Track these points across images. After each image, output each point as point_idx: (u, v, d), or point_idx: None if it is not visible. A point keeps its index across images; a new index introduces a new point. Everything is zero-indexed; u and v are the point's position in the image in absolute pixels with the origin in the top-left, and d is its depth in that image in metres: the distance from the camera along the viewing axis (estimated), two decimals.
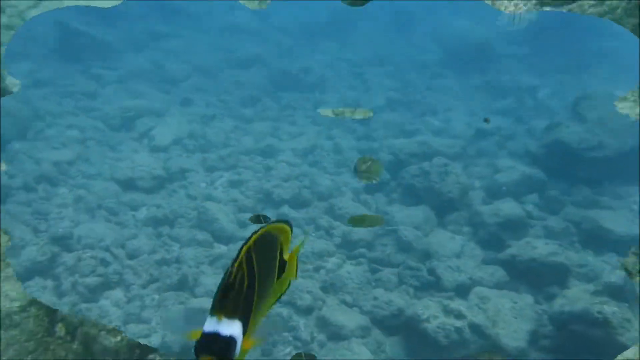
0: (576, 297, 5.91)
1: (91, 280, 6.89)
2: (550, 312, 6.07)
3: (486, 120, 5.95)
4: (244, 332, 1.43)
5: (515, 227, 7.83)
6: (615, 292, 5.77)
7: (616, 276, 5.94)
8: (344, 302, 6.76)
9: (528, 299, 6.48)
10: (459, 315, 5.93)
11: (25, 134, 11.18)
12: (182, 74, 15.47)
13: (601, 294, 5.80)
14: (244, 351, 1.44)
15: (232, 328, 1.40)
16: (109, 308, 6.70)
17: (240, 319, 1.42)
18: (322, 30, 20.27)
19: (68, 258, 7.13)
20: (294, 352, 6.01)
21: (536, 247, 7.02)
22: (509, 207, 8.10)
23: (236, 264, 1.44)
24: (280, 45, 18.33)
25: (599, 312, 5.49)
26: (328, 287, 7.05)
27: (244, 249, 1.47)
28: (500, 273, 7.06)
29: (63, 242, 7.50)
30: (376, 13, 20.94)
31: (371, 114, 6.01)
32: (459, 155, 10.20)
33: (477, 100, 14.22)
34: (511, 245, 7.41)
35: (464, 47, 16.38)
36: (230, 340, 1.38)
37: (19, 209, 8.38)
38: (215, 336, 1.37)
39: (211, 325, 1.39)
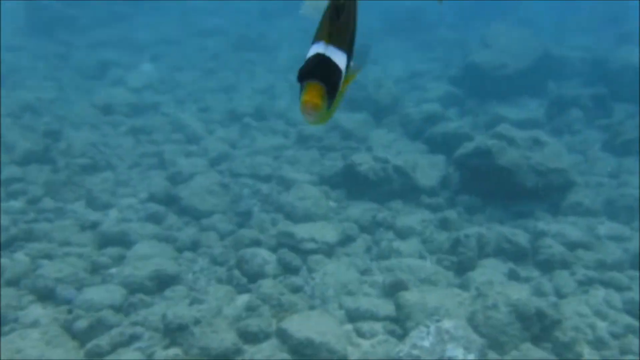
0: (471, 145, 7.59)
1: (82, 160, 8.18)
2: (453, 159, 7.76)
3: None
4: (347, 65, 1.35)
5: (435, 119, 9.53)
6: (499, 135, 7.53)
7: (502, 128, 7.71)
8: (297, 170, 8.26)
9: (441, 157, 8.16)
10: (385, 161, 7.52)
11: (5, 82, 12.33)
12: (148, 42, 16.84)
13: (492, 138, 7.52)
14: (345, 84, 1.39)
15: (340, 56, 1.30)
16: (101, 180, 7.97)
17: (346, 51, 1.34)
18: (278, 11, 21.88)
19: (60, 145, 8.45)
20: (259, 204, 7.41)
21: (448, 125, 8.77)
22: (431, 106, 9.85)
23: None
24: (238, 20, 19.88)
25: (483, 145, 7.22)
26: (285, 164, 8.55)
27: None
28: (421, 147, 8.78)
29: (52, 136, 8.78)
30: None
31: None
32: (395, 83, 11.92)
33: (413, 54, 16.13)
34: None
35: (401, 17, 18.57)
36: (337, 68, 1.30)
37: (9, 122, 9.58)
38: (325, 60, 1.29)
39: (320, 48, 1.29)
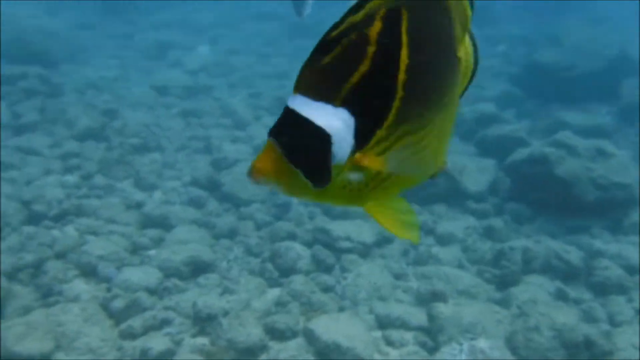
0: (525, 151, 7.27)
1: (134, 140, 8.40)
2: (505, 165, 7.46)
3: None
4: (360, 131, 0.88)
5: (490, 120, 9.17)
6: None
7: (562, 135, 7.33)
8: None
9: (491, 161, 7.87)
10: None
11: (74, 59, 12.88)
12: (208, 24, 17.10)
13: (550, 145, 7.18)
14: (356, 166, 0.90)
15: (328, 114, 0.86)
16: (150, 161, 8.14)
17: (351, 107, 0.86)
18: None
19: (116, 124, 8.69)
20: None
21: (503, 128, 8.44)
22: (486, 106, 9.49)
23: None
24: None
25: (540, 152, 6.89)
26: None
27: None
28: (471, 149, 8.50)
29: (110, 115, 9.05)
30: None
31: None
32: None
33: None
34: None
35: None
36: (308, 130, 0.87)
37: (73, 98, 9.96)
38: (292, 116, 0.90)
39: (296, 102, 0.90)
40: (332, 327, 4.59)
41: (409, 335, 4.81)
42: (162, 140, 8.75)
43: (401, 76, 0.85)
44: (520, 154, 7.20)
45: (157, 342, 4.45)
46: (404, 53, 0.85)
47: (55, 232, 5.98)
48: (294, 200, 7.19)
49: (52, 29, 13.26)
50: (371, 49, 0.82)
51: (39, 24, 13.14)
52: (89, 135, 8.51)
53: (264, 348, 4.53)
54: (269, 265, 5.64)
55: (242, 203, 6.93)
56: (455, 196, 7.28)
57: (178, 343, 4.59)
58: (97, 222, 6.30)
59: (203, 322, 4.72)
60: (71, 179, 7.33)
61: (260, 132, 9.12)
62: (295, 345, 4.54)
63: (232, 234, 6.32)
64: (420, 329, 4.88)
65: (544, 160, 6.85)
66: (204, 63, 12.94)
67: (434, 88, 0.94)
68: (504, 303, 5.24)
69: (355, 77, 0.83)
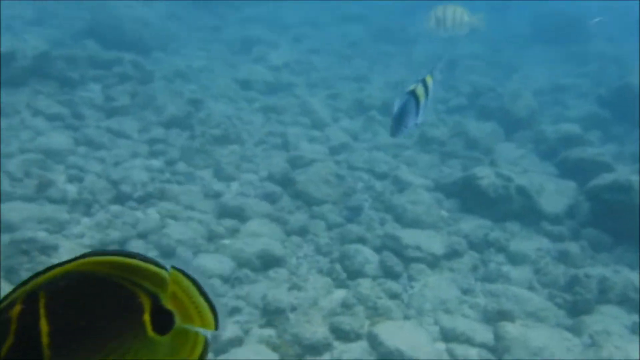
0: (609, 177, 7.00)
1: (216, 131, 8.72)
2: (586, 189, 7.21)
3: None
4: None
5: (573, 142, 8.88)
6: None
7: None
8: (414, 173, 8.18)
9: (571, 184, 7.63)
10: (508, 179, 7.20)
11: (165, 48, 13.50)
12: (293, 22, 17.44)
13: (637, 173, 6.89)
14: None
15: None
16: (229, 152, 8.44)
17: None
18: (422, 6, 21.51)
19: (200, 114, 9.07)
20: (370, 200, 7.48)
21: (586, 150, 8.15)
22: (571, 127, 9.19)
23: None
24: (381, 10, 19.85)
25: (626, 180, 6.61)
26: (402, 164, 8.51)
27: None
28: (551, 169, 8.26)
29: (195, 104, 9.44)
30: None
31: (483, 22, 6.62)
32: (535, 94, 11.29)
33: (560, 66, 15.09)
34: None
35: (554, 24, 17.25)
36: None
37: (162, 86, 10.46)
38: None
39: None
40: (397, 334, 4.63)
41: (473, 352, 4.78)
42: (243, 133, 9.04)
43: (45, 340, 0.99)
44: (604, 179, 6.94)
45: (228, 329, 4.62)
46: (43, 322, 1.00)
47: (139, 213, 6.34)
48: (366, 204, 7.28)
49: (145, 18, 13.93)
50: (13, 326, 0.98)
51: (134, 13, 13.83)
52: (175, 123, 8.91)
53: (328, 347, 4.63)
54: (337, 266, 5.74)
55: (314, 202, 7.07)
56: (530, 215, 7.12)
57: (246, 332, 4.76)
58: (177, 207, 6.61)
59: (271, 314, 4.87)
60: (156, 163, 7.72)
61: (337, 134, 9.26)
62: (358, 347, 4.61)
63: (303, 232, 6.47)
64: (485, 347, 4.83)
65: (629, 189, 6.57)
66: (286, 60, 13.24)
67: (84, 349, 1.04)
68: (575, 331, 5.10)
69: (3, 351, 0.98)
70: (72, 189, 6.53)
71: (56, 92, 9.01)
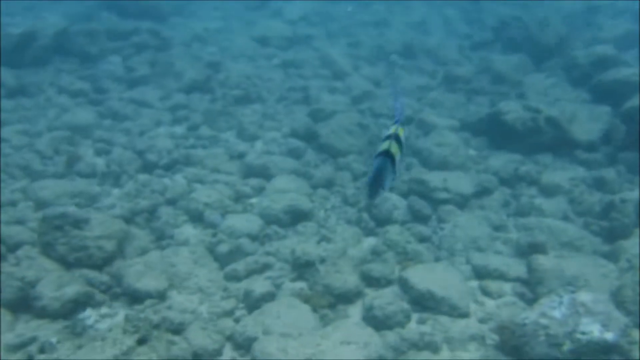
0: None
1: (236, 92, 8.68)
2: (622, 111, 6.88)
3: None
4: None
5: (607, 64, 8.43)
6: None
7: None
8: (439, 114, 7.98)
9: (606, 108, 7.29)
10: (537, 110, 6.94)
11: (181, 12, 13.40)
12: None
13: None
14: None
15: None
16: (251, 112, 8.42)
17: None
18: None
19: (220, 76, 9.02)
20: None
21: (621, 71, 7.74)
22: (604, 49, 8.71)
23: None
24: None
25: None
26: (427, 107, 8.30)
27: None
28: (584, 95, 7.91)
29: (214, 67, 9.39)
30: None
31: None
32: (565, 17, 10.72)
33: None
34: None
35: None
36: None
37: (181, 51, 10.44)
38: None
39: None
40: (428, 277, 4.61)
41: (507, 287, 4.73)
42: (263, 91, 8.98)
43: None
44: (635, 103, 6.61)
45: (259, 285, 4.68)
46: None
47: (166, 180, 6.42)
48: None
49: None
50: None
51: None
52: (195, 87, 8.91)
53: (359, 294, 4.64)
54: (365, 215, 5.71)
55: (339, 154, 7.00)
56: (563, 145, 6.88)
57: (278, 286, 4.80)
58: (203, 171, 6.66)
59: (301, 268, 4.89)
60: (179, 130, 7.77)
61: (358, 83, 9.09)
62: (390, 292, 4.60)
63: (329, 184, 6.43)
64: (518, 280, 4.77)
65: None
66: (303, 13, 12.97)
67: None
68: (611, 256, 4.96)
69: None
70: (100, 162, 6.65)
71: (78, 68, 9.12)
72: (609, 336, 3.65)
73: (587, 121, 7.05)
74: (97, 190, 6.07)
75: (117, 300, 4.52)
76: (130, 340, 3.68)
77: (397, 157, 2.64)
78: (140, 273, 4.68)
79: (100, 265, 4.76)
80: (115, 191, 6.15)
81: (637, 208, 5.33)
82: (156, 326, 3.95)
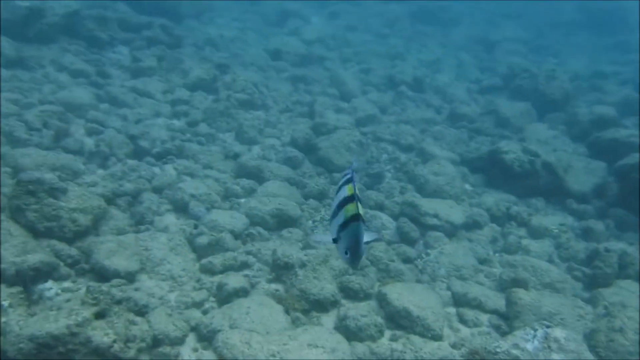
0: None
1: (241, 96, 8.66)
2: (615, 168, 6.91)
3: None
4: None
5: (606, 124, 8.53)
6: None
7: None
8: (440, 147, 7.99)
9: (601, 164, 7.32)
10: (535, 154, 6.95)
11: (199, 17, 13.50)
12: None
13: None
14: None
15: None
16: (253, 117, 8.40)
17: None
18: None
19: (226, 78, 9.02)
20: (393, 171, 7.32)
21: (619, 131, 7.81)
22: (605, 110, 8.83)
23: None
24: None
25: None
26: (429, 138, 8.31)
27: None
28: (582, 150, 7.96)
29: (221, 69, 9.40)
30: None
31: None
32: (572, 79, 10.88)
33: (603, 54, 14.57)
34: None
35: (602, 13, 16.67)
36: None
37: (191, 51, 10.47)
38: None
39: None
40: (406, 295, 4.51)
41: (484, 317, 4.64)
42: (268, 100, 8.97)
43: None
44: (634, 158, 6.65)
45: (234, 280, 4.56)
46: None
47: (156, 169, 6.32)
48: (388, 174, 7.14)
49: None
50: None
51: None
52: (200, 85, 8.89)
53: (335, 304, 4.54)
54: None
55: (335, 169, 6.96)
56: (556, 193, 6.89)
57: (254, 285, 4.69)
58: (196, 165, 6.57)
59: (280, 269, 4.79)
60: (177, 123, 7.70)
61: (365, 106, 9.11)
62: (366, 306, 4.50)
63: (321, 196, 6.36)
64: (496, 312, 4.69)
65: None
66: (321, 35, 13.11)
67: None
68: (590, 302, 4.94)
69: None
70: (90, 142, 6.49)
71: (84, 51, 9.07)
72: None
73: (582, 173, 7.07)
74: (81, 167, 5.85)
75: (83, 276, 4.33)
76: (87, 312, 3.49)
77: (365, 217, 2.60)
78: (112, 251, 4.51)
79: (71, 239, 4.58)
80: (100, 172, 6.02)
81: (620, 259, 5.32)
82: (118, 302, 3.80)
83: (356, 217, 2.36)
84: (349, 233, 2.38)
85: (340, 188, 2.63)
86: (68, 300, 3.68)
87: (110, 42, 9.64)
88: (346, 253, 2.40)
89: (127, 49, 9.62)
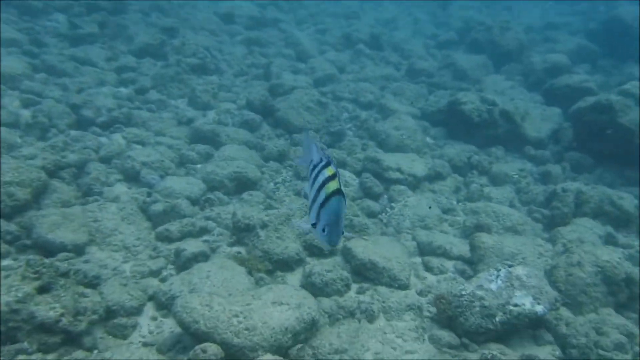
0: (591, 99, 6.74)
1: (192, 60, 8.30)
2: (570, 112, 6.97)
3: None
4: None
5: (560, 71, 8.59)
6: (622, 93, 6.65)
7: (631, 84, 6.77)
8: (400, 102, 7.87)
9: (557, 110, 7.37)
10: (493, 103, 6.91)
11: None
12: None
13: (617, 94, 6.64)
14: None
15: None
16: (206, 82, 8.07)
17: None
18: None
19: (174, 42, 8.63)
20: (354, 129, 7.15)
21: (572, 77, 7.87)
22: (559, 57, 8.87)
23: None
24: None
25: (606, 100, 6.37)
26: (389, 94, 8.18)
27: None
28: (538, 98, 7.98)
29: (169, 33, 8.99)
30: None
31: None
32: (526, 31, 10.89)
33: (555, 6, 14.66)
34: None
35: None
36: None
37: (137, 17, 9.97)
38: None
39: None
40: (371, 248, 4.41)
41: (448, 264, 4.60)
42: (222, 64, 8.65)
43: None
44: (586, 101, 6.71)
45: (192, 245, 4.37)
46: None
47: (103, 139, 5.97)
48: (349, 132, 6.99)
49: None
50: None
51: None
52: (147, 51, 8.49)
53: (300, 262, 4.40)
54: None
55: (295, 129, 6.76)
56: (514, 140, 6.89)
57: (214, 250, 4.51)
58: (147, 133, 6.25)
59: (241, 232, 4.61)
60: (125, 91, 7.33)
61: (323, 66, 8.87)
62: (332, 262, 4.39)
63: (282, 158, 6.17)
64: (461, 258, 4.66)
65: (609, 109, 6.35)
66: None
67: None
68: (549, 240, 4.99)
69: None
70: (26, 114, 6.03)
71: (16, 19, 8.51)
72: (539, 309, 3.68)
73: (539, 120, 7.11)
74: (17, 141, 5.43)
75: (24, 253, 4.03)
76: (29, 287, 3.24)
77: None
78: (56, 224, 4.22)
79: (8, 214, 4.26)
80: (40, 144, 5.58)
81: (576, 198, 5.38)
82: (64, 275, 3.54)
83: (337, 192, 2.17)
84: (329, 208, 2.19)
85: (317, 174, 2.41)
86: (7, 277, 3.39)
87: (44, 9, 9.07)
88: (324, 230, 2.20)
89: (64, 17, 9.07)
